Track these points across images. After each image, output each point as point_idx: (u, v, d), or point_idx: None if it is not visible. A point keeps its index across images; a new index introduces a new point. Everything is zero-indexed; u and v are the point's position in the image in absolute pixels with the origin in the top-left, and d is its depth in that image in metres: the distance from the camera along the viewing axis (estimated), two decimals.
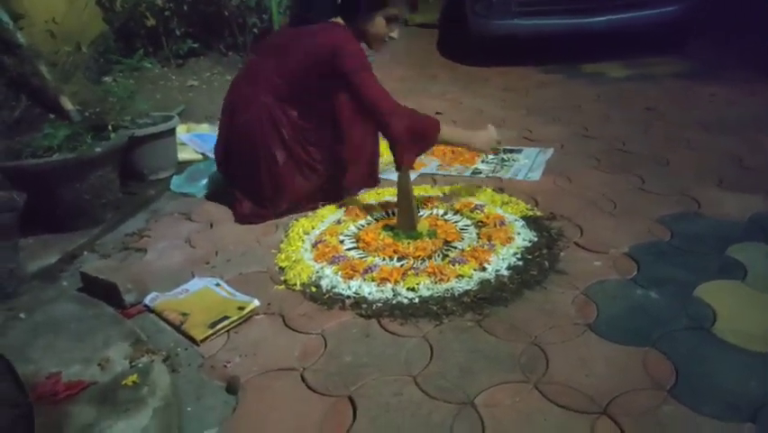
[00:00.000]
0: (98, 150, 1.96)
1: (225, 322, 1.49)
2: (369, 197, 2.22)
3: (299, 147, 2.06)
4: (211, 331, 1.46)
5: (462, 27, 4.65)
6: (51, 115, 3.20)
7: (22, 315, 1.56)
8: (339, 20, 2.02)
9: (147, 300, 1.62)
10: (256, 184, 2.07)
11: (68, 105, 3.20)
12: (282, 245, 1.90)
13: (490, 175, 2.34)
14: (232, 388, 1.28)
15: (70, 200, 1.97)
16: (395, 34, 2.05)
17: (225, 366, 1.36)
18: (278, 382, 1.31)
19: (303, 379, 1.30)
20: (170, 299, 1.62)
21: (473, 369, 1.28)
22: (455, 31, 5.16)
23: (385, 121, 1.87)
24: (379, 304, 1.53)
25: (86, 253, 1.97)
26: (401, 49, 5.44)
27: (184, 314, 1.54)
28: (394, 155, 1.89)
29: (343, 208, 2.12)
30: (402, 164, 1.85)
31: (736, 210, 1.86)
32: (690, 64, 3.84)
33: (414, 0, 2.06)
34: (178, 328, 1.50)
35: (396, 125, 1.85)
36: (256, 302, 1.56)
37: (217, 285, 1.68)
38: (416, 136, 1.87)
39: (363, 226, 1.99)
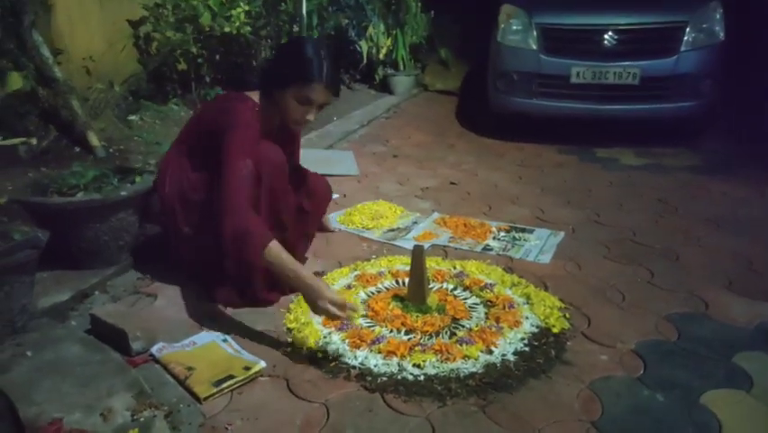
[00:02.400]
0: (124, 193, 2.01)
1: (230, 382, 1.49)
2: (381, 263, 2.25)
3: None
4: (215, 390, 1.46)
5: (482, 99, 4.78)
6: (77, 149, 3.30)
7: (29, 352, 1.57)
8: (254, 94, 1.92)
9: (154, 350, 1.62)
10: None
11: (94, 140, 3.30)
12: (292, 306, 1.91)
13: (501, 253, 2.37)
14: None
15: (89, 240, 2.01)
16: (310, 117, 1.86)
17: (226, 429, 1.36)
18: None
19: None
20: (177, 351, 1.63)
21: None
22: (475, 101, 5.30)
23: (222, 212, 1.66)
24: (384, 378, 1.54)
25: (97, 292, 1.99)
26: (421, 114, 5.59)
27: (189, 368, 1.54)
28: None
29: (355, 274, 2.14)
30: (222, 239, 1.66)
31: (744, 316, 1.87)
32: (702, 158, 3.92)
33: (334, 86, 1.86)
34: (182, 383, 1.50)
35: (226, 223, 1.64)
36: (262, 364, 1.56)
37: (225, 341, 1.69)
38: (239, 244, 1.64)
39: (373, 294, 2.01)
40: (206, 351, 1.64)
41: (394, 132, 4.78)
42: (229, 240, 1.63)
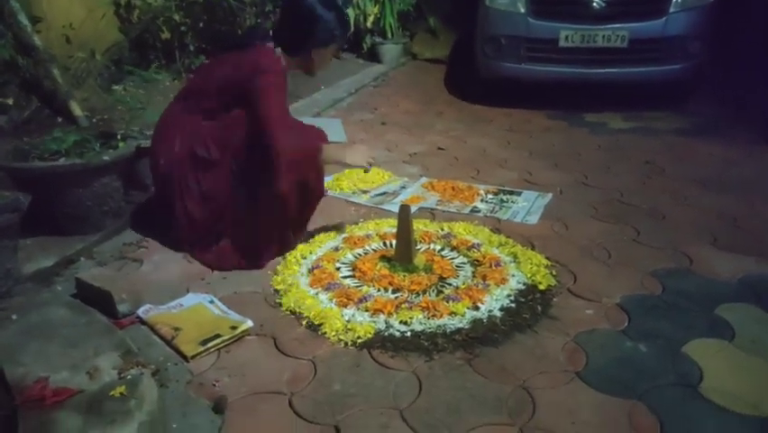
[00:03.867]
0: (106, 158, 1.98)
1: (217, 340, 1.50)
2: (368, 226, 2.24)
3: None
4: (202, 348, 1.47)
5: (471, 66, 4.74)
6: (60, 119, 3.25)
7: (14, 316, 1.56)
8: (271, 45, 1.95)
9: (140, 312, 1.62)
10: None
11: (77, 110, 3.24)
12: (279, 267, 1.91)
13: (488, 215, 2.37)
14: (219, 407, 1.28)
15: (72, 205, 1.99)
16: (327, 67, 2.13)
17: (214, 385, 1.37)
18: (266, 405, 1.31)
19: (290, 404, 1.31)
20: (163, 313, 1.63)
21: (460, 408, 1.29)
22: (464, 68, 5.25)
23: (271, 142, 1.80)
24: (371, 335, 1.54)
25: (82, 258, 1.98)
26: (409, 82, 5.54)
27: (176, 328, 1.54)
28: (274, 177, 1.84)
29: (342, 236, 2.14)
30: (279, 189, 1.84)
31: (728, 270, 1.89)
32: (689, 120, 3.91)
33: (348, 31, 2.18)
34: (169, 343, 1.51)
35: (281, 146, 1.80)
36: (249, 323, 1.57)
37: (211, 302, 1.69)
38: (299, 162, 1.88)
39: (360, 255, 2.01)
40: (193, 312, 1.64)
41: (382, 100, 4.74)
42: (288, 159, 1.82)
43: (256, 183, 1.88)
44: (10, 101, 2.99)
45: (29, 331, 1.50)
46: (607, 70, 4.02)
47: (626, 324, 1.60)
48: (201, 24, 4.39)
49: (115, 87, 3.96)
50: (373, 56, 6.22)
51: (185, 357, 1.45)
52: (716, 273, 1.88)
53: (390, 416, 1.27)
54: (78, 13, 3.80)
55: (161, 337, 1.53)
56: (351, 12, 6.08)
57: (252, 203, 1.90)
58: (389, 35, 6.36)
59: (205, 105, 1.94)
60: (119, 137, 2.17)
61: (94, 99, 3.61)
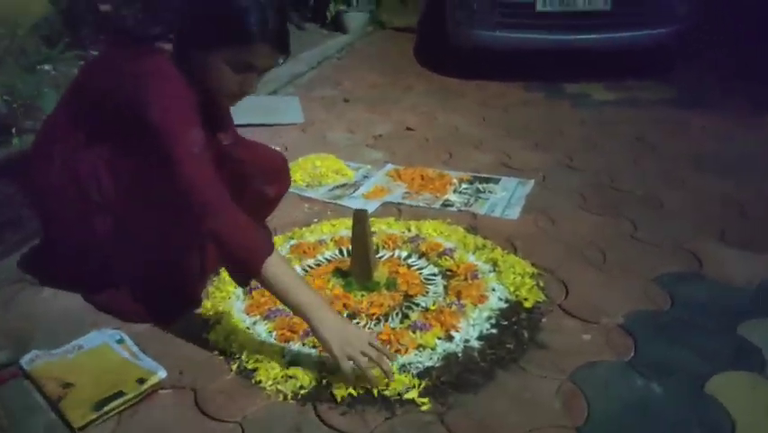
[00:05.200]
0: None
1: (117, 402, 1.16)
2: (322, 228, 1.91)
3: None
4: (95, 415, 1.13)
5: (442, 34, 4.37)
6: None
7: None
8: (166, 48, 1.34)
9: (23, 361, 1.27)
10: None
11: None
12: (211, 289, 1.57)
13: (463, 209, 2.05)
14: None
15: None
16: (250, 87, 1.35)
17: None
18: None
19: None
20: (55, 361, 1.28)
21: None
22: (434, 37, 4.88)
23: (202, 217, 1.22)
24: (316, 383, 1.22)
25: None
26: (375, 53, 5.15)
27: (66, 385, 1.20)
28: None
29: (291, 243, 1.80)
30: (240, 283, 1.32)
31: (742, 274, 1.61)
32: (676, 90, 3.62)
33: (283, 43, 1.31)
34: (54, 406, 1.17)
35: (218, 228, 1.22)
36: (161, 374, 1.23)
37: (119, 341, 1.35)
38: (237, 256, 1.24)
39: (311, 268, 1.68)
40: (94, 357, 1.30)
41: (346, 73, 4.35)
42: (224, 246, 1.23)
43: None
44: None
45: None
46: (588, 36, 3.71)
47: (633, 353, 1.31)
48: None
49: (44, 68, 3.51)
50: (337, 25, 5.80)
51: (72, 429, 1.11)
52: (729, 278, 1.60)
53: None
54: None
55: (46, 398, 1.19)
56: None
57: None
58: (355, 2, 5.92)
59: (87, 119, 1.39)
60: (14, 131, 1.79)
61: (14, 82, 3.18)
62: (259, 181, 1.65)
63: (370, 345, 1.18)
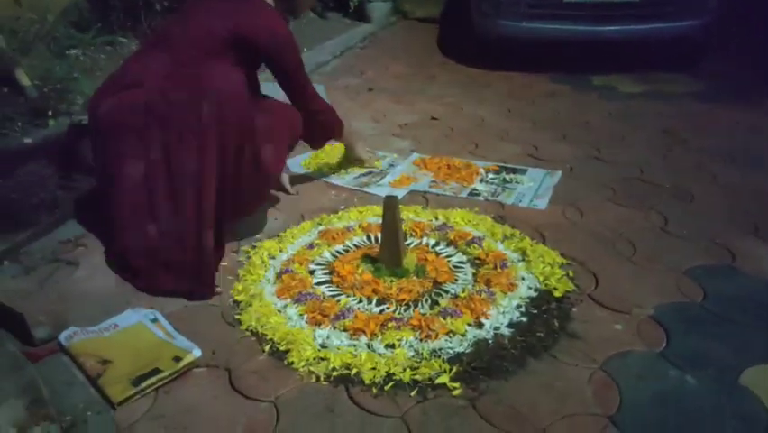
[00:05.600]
0: (28, 140, 1.64)
1: (154, 378, 1.18)
2: (350, 215, 1.92)
3: None
4: (134, 390, 1.15)
5: (466, 25, 4.33)
6: (5, 89, 2.86)
7: None
8: None
9: (62, 338, 1.30)
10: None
11: (24, 79, 2.84)
12: (241, 272, 1.59)
13: (490, 199, 2.04)
14: None
15: None
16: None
17: None
18: None
19: None
20: (92, 338, 1.31)
21: None
22: (458, 28, 4.85)
23: (323, 113, 1.96)
24: (350, 366, 1.23)
25: (6, 262, 1.64)
26: (399, 44, 5.13)
27: (104, 361, 1.23)
28: (326, 133, 2.03)
29: (319, 229, 1.81)
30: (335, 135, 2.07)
31: None
32: (706, 83, 3.56)
33: None
34: (93, 381, 1.19)
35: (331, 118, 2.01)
36: (197, 352, 1.25)
37: (154, 321, 1.37)
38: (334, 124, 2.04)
39: (340, 254, 1.69)
40: (130, 336, 1.32)
41: (370, 63, 4.34)
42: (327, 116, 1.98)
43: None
44: None
45: None
46: (616, 27, 3.65)
47: (665, 344, 1.30)
48: None
49: (72, 52, 3.56)
50: (361, 15, 5.78)
51: (111, 403, 1.14)
52: (764, 272, 1.57)
53: None
54: None
55: (85, 373, 1.22)
56: None
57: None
58: None
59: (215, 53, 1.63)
60: (50, 114, 1.81)
61: (45, 66, 3.22)
62: None
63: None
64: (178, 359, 1.23)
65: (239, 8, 1.65)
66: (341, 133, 2.09)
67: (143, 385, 1.16)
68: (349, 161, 2.29)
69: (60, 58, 3.35)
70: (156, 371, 1.20)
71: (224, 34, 1.61)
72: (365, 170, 2.28)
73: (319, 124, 1.95)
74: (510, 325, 1.36)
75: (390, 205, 1.51)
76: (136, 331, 1.34)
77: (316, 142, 2.07)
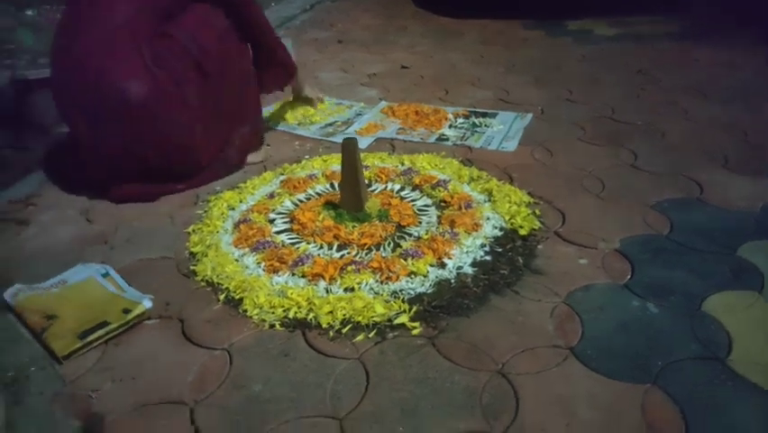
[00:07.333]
0: None
1: (101, 331, 1.14)
2: (313, 164, 1.86)
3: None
4: (80, 344, 1.11)
5: None
6: None
7: None
8: None
9: (7, 295, 1.25)
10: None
11: None
12: (198, 225, 1.54)
13: (458, 143, 1.99)
14: (88, 432, 0.94)
15: None
16: None
17: (90, 396, 1.02)
18: (159, 421, 0.97)
19: (192, 420, 0.97)
20: (38, 294, 1.26)
21: (419, 409, 0.97)
22: None
23: (275, 48, 1.91)
24: (305, 310, 1.20)
25: None
26: None
27: (50, 317, 1.18)
28: (281, 78, 1.98)
29: (281, 178, 1.76)
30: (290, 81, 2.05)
31: (745, 198, 1.56)
32: (682, 24, 3.49)
33: None
34: (38, 337, 1.15)
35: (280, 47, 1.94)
36: (147, 303, 1.21)
37: (105, 275, 1.32)
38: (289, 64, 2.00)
39: (302, 202, 1.64)
40: (79, 291, 1.27)
41: (340, 15, 4.22)
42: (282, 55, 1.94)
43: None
44: None
45: None
46: None
47: (630, 276, 1.27)
48: None
49: (27, 13, 3.39)
50: None
51: (56, 357, 1.10)
52: (731, 203, 1.55)
53: (325, 428, 0.94)
54: None
55: (30, 330, 1.17)
56: None
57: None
58: None
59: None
60: None
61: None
62: None
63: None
64: (127, 311, 1.19)
65: None
66: (294, 74, 2.03)
67: (90, 338, 1.12)
68: (296, 100, 2.26)
69: (12, 16, 3.20)
70: (104, 324, 1.15)
71: None
72: (330, 120, 2.21)
73: (277, 63, 1.91)
74: (474, 264, 1.33)
75: (348, 146, 1.46)
76: (85, 286, 1.29)
77: (271, 84, 1.96)
